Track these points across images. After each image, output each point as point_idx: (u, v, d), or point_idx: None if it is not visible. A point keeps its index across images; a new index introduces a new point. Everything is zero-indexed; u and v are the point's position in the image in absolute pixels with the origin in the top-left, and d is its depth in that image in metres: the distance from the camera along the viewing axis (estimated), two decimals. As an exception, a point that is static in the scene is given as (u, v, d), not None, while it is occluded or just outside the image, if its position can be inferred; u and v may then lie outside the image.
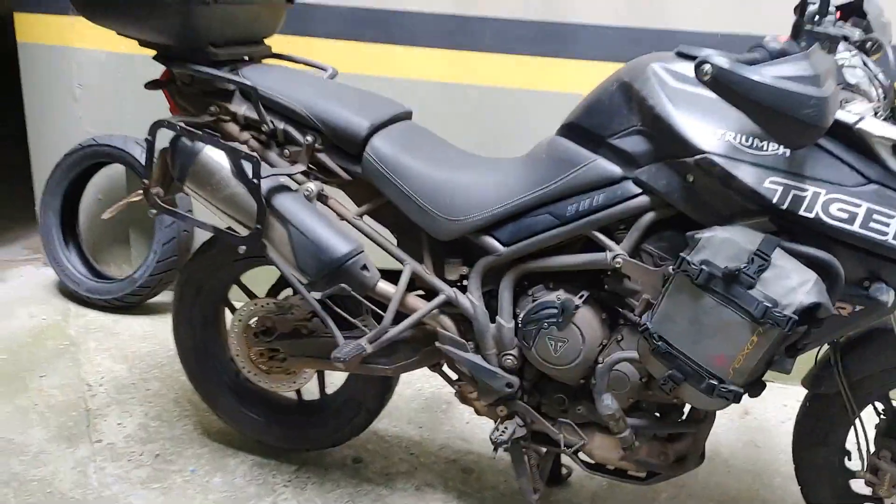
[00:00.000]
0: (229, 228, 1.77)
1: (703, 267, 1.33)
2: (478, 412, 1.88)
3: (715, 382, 1.37)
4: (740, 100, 1.24)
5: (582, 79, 2.58)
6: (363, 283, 1.72)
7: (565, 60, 2.59)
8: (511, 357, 1.72)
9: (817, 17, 1.51)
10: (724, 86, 1.24)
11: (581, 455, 1.79)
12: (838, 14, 1.68)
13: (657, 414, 1.72)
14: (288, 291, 2.02)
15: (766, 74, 1.22)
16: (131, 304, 2.93)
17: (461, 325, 1.78)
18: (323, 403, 2.12)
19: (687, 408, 1.72)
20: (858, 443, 1.67)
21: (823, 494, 1.79)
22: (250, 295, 2.09)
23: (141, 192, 1.82)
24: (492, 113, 2.69)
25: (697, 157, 1.43)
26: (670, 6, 2.49)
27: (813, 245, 1.36)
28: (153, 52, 1.80)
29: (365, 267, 1.72)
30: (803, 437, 1.78)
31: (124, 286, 2.92)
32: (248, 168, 1.67)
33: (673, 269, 1.39)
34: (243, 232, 1.75)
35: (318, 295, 1.73)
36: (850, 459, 1.76)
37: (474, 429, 2.37)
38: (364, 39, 2.73)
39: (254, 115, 1.77)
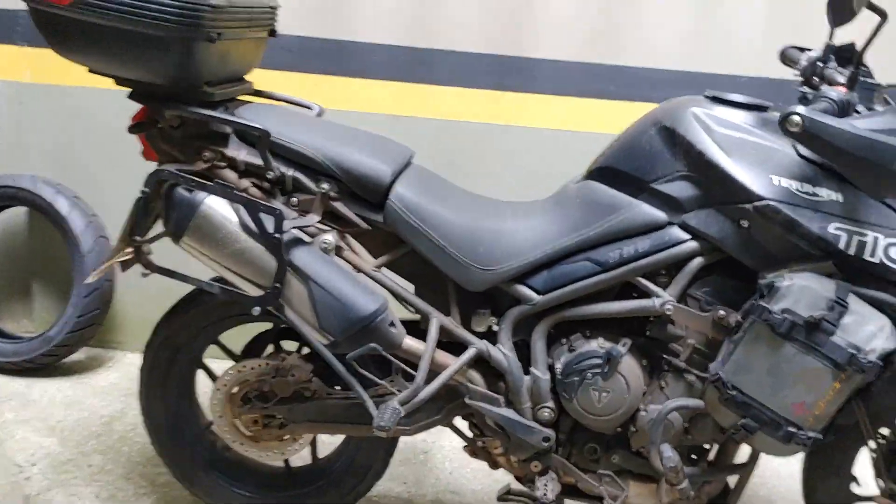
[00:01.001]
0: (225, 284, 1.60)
1: (787, 316, 1.33)
2: (495, 467, 1.81)
3: (793, 430, 1.37)
4: (831, 150, 1.26)
5: (542, 113, 2.57)
6: (391, 341, 1.59)
7: (525, 95, 2.57)
8: (548, 410, 1.66)
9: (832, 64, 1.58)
10: (815, 137, 1.26)
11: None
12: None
13: (692, 457, 1.71)
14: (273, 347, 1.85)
15: (860, 127, 1.24)
16: (44, 365, 2.59)
17: (489, 378, 1.70)
18: (318, 470, 1.95)
19: (713, 451, 1.72)
20: (878, 469, 1.74)
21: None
22: (233, 356, 1.89)
23: (130, 251, 1.59)
24: (449, 147, 2.62)
25: (758, 203, 1.43)
26: (628, 43, 2.54)
27: (874, 289, 1.40)
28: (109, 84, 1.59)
29: (392, 324, 1.60)
30: (814, 466, 1.83)
31: (37, 345, 2.58)
32: (267, 221, 1.50)
33: (753, 318, 1.38)
34: (253, 291, 1.57)
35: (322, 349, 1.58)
36: (858, 485, 1.84)
37: (460, 479, 2.27)
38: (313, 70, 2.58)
39: (256, 161, 1.60)
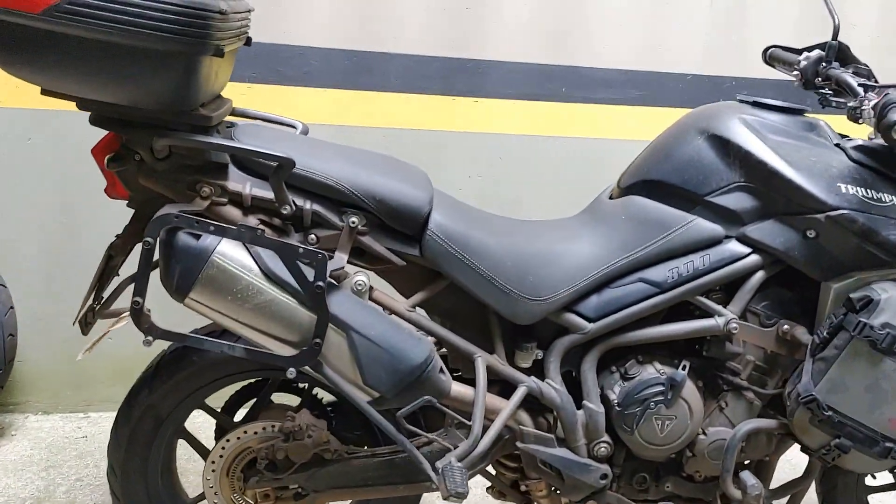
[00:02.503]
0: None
1: (889, 331, 1.29)
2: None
3: (891, 445, 1.34)
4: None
5: (497, 116, 2.44)
6: (442, 389, 1.41)
7: (477, 99, 2.42)
8: (605, 445, 1.54)
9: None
10: (927, 146, 1.21)
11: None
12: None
13: None
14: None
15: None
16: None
17: (534, 416, 1.55)
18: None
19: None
20: None
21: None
22: (226, 422, 1.62)
23: (126, 315, 1.29)
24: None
25: (832, 213, 1.39)
26: (580, 44, 2.46)
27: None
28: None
29: (442, 370, 1.41)
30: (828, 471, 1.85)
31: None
32: (305, 268, 1.27)
33: (850, 335, 1.32)
34: (279, 349, 1.32)
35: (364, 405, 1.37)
36: (874, 478, 1.87)
37: None
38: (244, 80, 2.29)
39: (265, 195, 1.36)
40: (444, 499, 1.36)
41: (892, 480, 1.85)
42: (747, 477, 1.50)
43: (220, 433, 1.68)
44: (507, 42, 2.41)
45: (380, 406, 1.37)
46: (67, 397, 2.46)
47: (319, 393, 1.66)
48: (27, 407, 2.44)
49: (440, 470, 1.36)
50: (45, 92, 1.29)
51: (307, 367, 1.32)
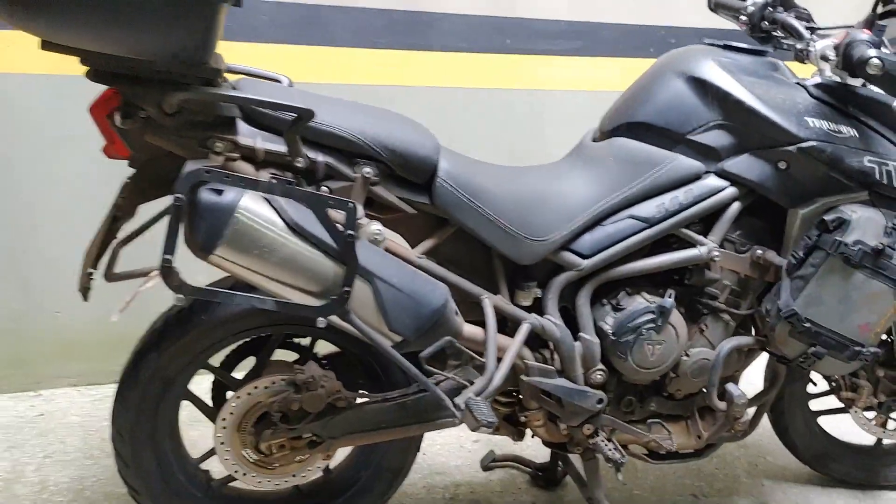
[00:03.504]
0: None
1: (860, 246, 1.44)
2: (520, 438, 1.79)
3: (859, 349, 1.51)
4: (908, 90, 1.37)
5: (446, 70, 2.47)
6: (457, 330, 1.47)
7: (426, 53, 2.45)
8: (601, 372, 1.65)
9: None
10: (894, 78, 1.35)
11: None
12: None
13: None
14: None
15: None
16: None
17: (536, 351, 1.64)
18: (338, 483, 1.75)
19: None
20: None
21: (795, 420, 2.08)
22: (228, 380, 1.62)
23: (156, 274, 1.27)
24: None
25: (803, 144, 1.53)
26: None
27: (896, 210, 1.58)
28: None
29: (455, 312, 1.47)
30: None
31: None
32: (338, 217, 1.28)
33: (825, 253, 1.48)
34: (306, 300, 1.34)
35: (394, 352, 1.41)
36: (814, 384, 2.08)
37: (436, 459, 2.19)
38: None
39: (277, 148, 1.36)
40: (473, 430, 1.44)
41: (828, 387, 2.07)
42: (732, 388, 1.65)
43: (219, 392, 1.69)
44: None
45: (402, 349, 1.42)
46: (13, 377, 2.34)
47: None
48: (-31, 385, 2.31)
49: (464, 405, 1.43)
50: (45, 45, 1.23)
51: (335, 317, 1.35)
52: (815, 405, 2.11)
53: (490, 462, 2.14)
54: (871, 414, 2.05)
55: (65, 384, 2.40)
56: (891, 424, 2.07)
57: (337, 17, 2.33)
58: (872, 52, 1.38)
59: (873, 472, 2.16)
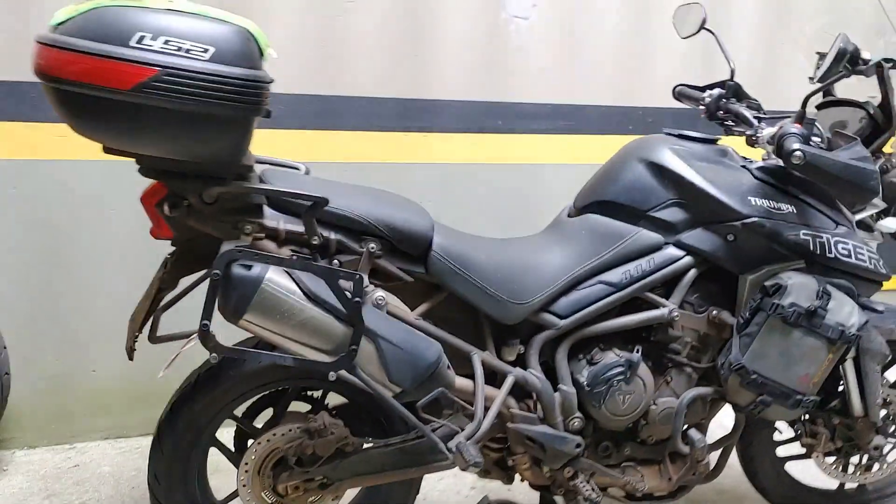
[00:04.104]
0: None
1: (795, 308, 1.68)
2: (510, 482, 1.99)
3: (800, 397, 1.74)
4: (825, 176, 1.63)
5: (445, 148, 2.76)
6: (450, 382, 1.69)
7: (426, 134, 2.74)
8: (578, 419, 1.87)
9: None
10: (814, 167, 1.61)
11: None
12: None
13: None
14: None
15: (844, 157, 1.62)
16: (-67, 482, 2.24)
17: (520, 402, 1.86)
18: (346, 522, 1.96)
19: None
20: (799, 417, 2.19)
21: (763, 465, 2.29)
22: (250, 429, 1.85)
23: (195, 336, 1.51)
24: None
25: (746, 220, 1.78)
26: (520, 82, 2.82)
27: (834, 277, 1.81)
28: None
29: (448, 366, 1.70)
30: (746, 427, 2.25)
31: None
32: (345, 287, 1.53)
33: (766, 314, 1.71)
34: (319, 357, 1.58)
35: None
36: (780, 433, 2.29)
37: (438, 497, 2.39)
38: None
39: (297, 228, 1.62)
40: (463, 469, 1.66)
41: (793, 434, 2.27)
42: (693, 433, 1.87)
43: (240, 440, 1.91)
44: (452, 83, 2.74)
45: (401, 399, 1.65)
46: (52, 431, 2.57)
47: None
48: (12, 443, 2.54)
49: (454, 448, 1.65)
50: (106, 150, 1.51)
51: (343, 371, 1.58)
52: (781, 452, 2.31)
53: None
54: (831, 459, 2.25)
55: (97, 437, 2.62)
56: (850, 469, 2.26)
57: (347, 106, 2.63)
58: (797, 145, 1.63)
59: (838, 514, 2.35)
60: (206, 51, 1.36)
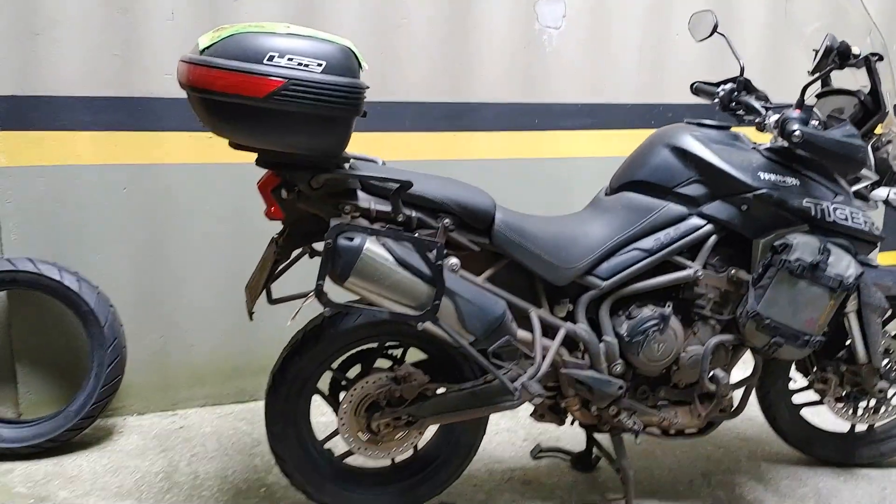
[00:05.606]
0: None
1: (800, 262, 2.02)
2: (562, 423, 2.33)
3: (807, 338, 2.07)
4: (821, 151, 1.97)
5: (488, 145, 3.12)
6: (514, 332, 2.04)
7: (473, 133, 3.11)
8: (620, 365, 2.21)
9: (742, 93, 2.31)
10: (811, 144, 1.96)
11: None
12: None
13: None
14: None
15: (836, 135, 1.96)
16: (66, 441, 2.61)
17: (571, 351, 2.21)
18: (424, 459, 2.32)
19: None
20: (811, 366, 2.52)
21: (781, 410, 2.62)
22: (345, 379, 2.21)
23: (311, 294, 1.88)
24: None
25: (757, 192, 2.12)
26: (553, 84, 3.18)
27: (833, 237, 2.15)
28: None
29: (512, 320, 2.05)
30: (762, 379, 2.58)
31: (60, 422, 2.59)
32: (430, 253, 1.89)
33: (776, 268, 2.05)
34: (409, 312, 1.93)
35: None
36: (794, 382, 2.62)
37: (496, 450, 2.74)
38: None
39: (384, 208, 1.97)
40: (529, 401, 2.01)
41: (806, 382, 2.60)
42: (718, 372, 2.20)
43: (334, 389, 2.27)
44: (493, 87, 3.11)
45: (476, 347, 2.00)
46: (157, 400, 2.95)
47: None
48: (124, 410, 2.92)
49: (520, 386, 2.01)
50: (233, 145, 1.88)
51: (428, 324, 1.94)
52: (797, 399, 2.64)
53: (538, 452, 2.70)
54: (842, 404, 2.57)
55: (195, 405, 3.00)
56: (859, 412, 2.58)
57: (403, 110, 2.99)
58: (796, 126, 1.97)
59: (849, 453, 2.67)
60: (319, 65, 1.73)
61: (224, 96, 1.70)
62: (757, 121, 2.26)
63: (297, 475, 2.18)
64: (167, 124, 2.75)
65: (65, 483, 2.46)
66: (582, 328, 2.18)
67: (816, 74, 2.11)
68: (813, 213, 2.14)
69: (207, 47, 1.73)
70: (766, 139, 2.37)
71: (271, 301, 2.11)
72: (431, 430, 2.32)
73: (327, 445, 2.27)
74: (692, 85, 2.59)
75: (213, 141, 2.78)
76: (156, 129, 2.74)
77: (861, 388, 2.49)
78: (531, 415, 2.39)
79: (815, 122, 2.14)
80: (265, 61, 1.69)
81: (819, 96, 2.42)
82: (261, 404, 2.92)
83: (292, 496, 2.41)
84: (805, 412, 2.66)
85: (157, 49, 2.70)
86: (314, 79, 1.72)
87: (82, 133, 2.67)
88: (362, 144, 2.93)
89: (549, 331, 2.17)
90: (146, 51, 2.70)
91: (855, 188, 2.30)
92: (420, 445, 2.33)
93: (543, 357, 2.08)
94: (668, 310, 2.18)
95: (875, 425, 2.66)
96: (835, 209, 2.16)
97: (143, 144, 2.74)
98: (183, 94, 1.80)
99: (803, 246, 2.06)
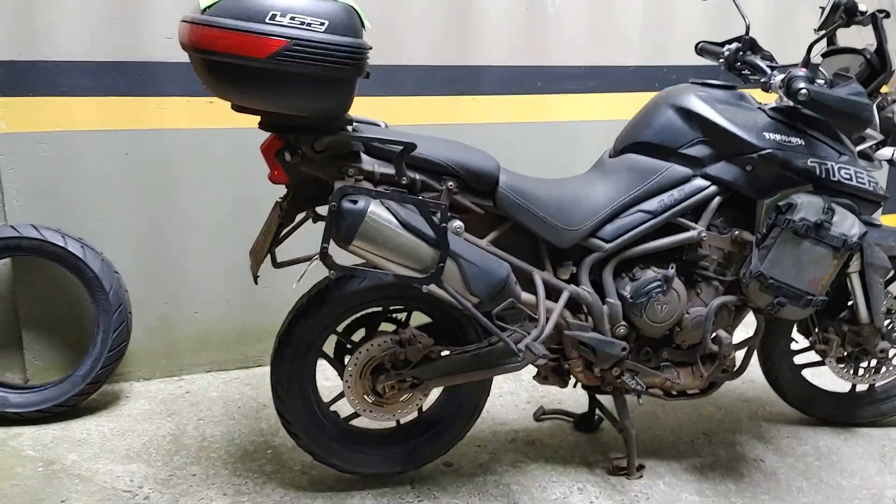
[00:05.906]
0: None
1: (805, 222, 2.02)
2: (564, 385, 2.35)
3: (810, 298, 2.08)
4: (826, 110, 1.96)
5: (491, 109, 3.10)
6: (517, 295, 2.05)
7: (475, 97, 3.08)
8: (623, 327, 2.22)
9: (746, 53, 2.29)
10: (817, 102, 1.94)
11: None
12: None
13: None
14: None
15: (842, 93, 1.95)
16: (73, 406, 2.64)
17: (574, 313, 2.22)
18: (429, 420, 2.34)
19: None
20: (812, 326, 2.53)
21: (783, 371, 2.63)
22: (349, 342, 2.22)
23: (316, 257, 1.88)
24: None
25: (761, 152, 2.11)
26: (555, 47, 3.15)
27: (838, 196, 2.15)
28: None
29: (516, 282, 2.06)
30: (766, 339, 2.59)
31: (67, 388, 2.61)
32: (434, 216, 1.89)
33: (780, 228, 2.05)
34: (414, 274, 1.93)
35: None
36: (796, 342, 2.63)
37: (499, 413, 2.76)
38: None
39: (388, 171, 1.97)
40: (532, 363, 2.02)
41: (808, 343, 2.61)
42: (721, 334, 2.22)
43: (338, 352, 2.28)
44: (495, 51, 3.08)
45: (480, 309, 2.01)
46: (162, 365, 2.97)
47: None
48: (130, 376, 2.94)
49: (524, 347, 2.02)
50: (235, 108, 1.86)
51: (433, 286, 1.94)
52: (798, 360, 2.66)
53: (541, 414, 2.72)
54: (843, 364, 2.59)
55: (201, 370, 3.02)
56: (860, 372, 2.60)
57: (404, 74, 2.97)
58: (802, 84, 1.96)
59: (849, 413, 2.69)
60: (322, 24, 1.71)
61: (226, 56, 1.69)
62: (762, 80, 2.24)
63: (303, 437, 2.20)
64: (169, 89, 2.73)
65: (73, 446, 2.49)
66: (585, 290, 2.19)
67: (823, 31, 2.09)
68: (817, 172, 2.13)
69: (209, 6, 1.71)
70: (771, 100, 2.35)
71: (276, 265, 2.12)
72: (436, 392, 2.34)
73: (333, 408, 2.29)
74: (697, 45, 2.57)
75: (216, 105, 2.77)
76: (157, 94, 2.72)
77: (862, 349, 2.51)
78: (534, 377, 2.41)
79: (820, 81, 2.13)
80: (267, 20, 1.68)
81: (825, 56, 2.40)
82: (265, 369, 2.96)
83: (299, 457, 2.43)
84: (806, 373, 2.68)
85: (157, 12, 2.67)
86: (317, 38, 1.70)
87: (83, 99, 2.66)
88: (363, 109, 2.92)
89: (552, 293, 2.18)
90: (146, 14, 2.67)
91: (859, 148, 2.29)
92: (425, 407, 2.36)
93: (547, 319, 2.09)
94: (671, 271, 2.19)
95: (876, 385, 2.68)
96: (839, 169, 2.15)
97: (144, 109, 2.73)
98: (185, 58, 1.78)
99: (808, 206, 2.06)
